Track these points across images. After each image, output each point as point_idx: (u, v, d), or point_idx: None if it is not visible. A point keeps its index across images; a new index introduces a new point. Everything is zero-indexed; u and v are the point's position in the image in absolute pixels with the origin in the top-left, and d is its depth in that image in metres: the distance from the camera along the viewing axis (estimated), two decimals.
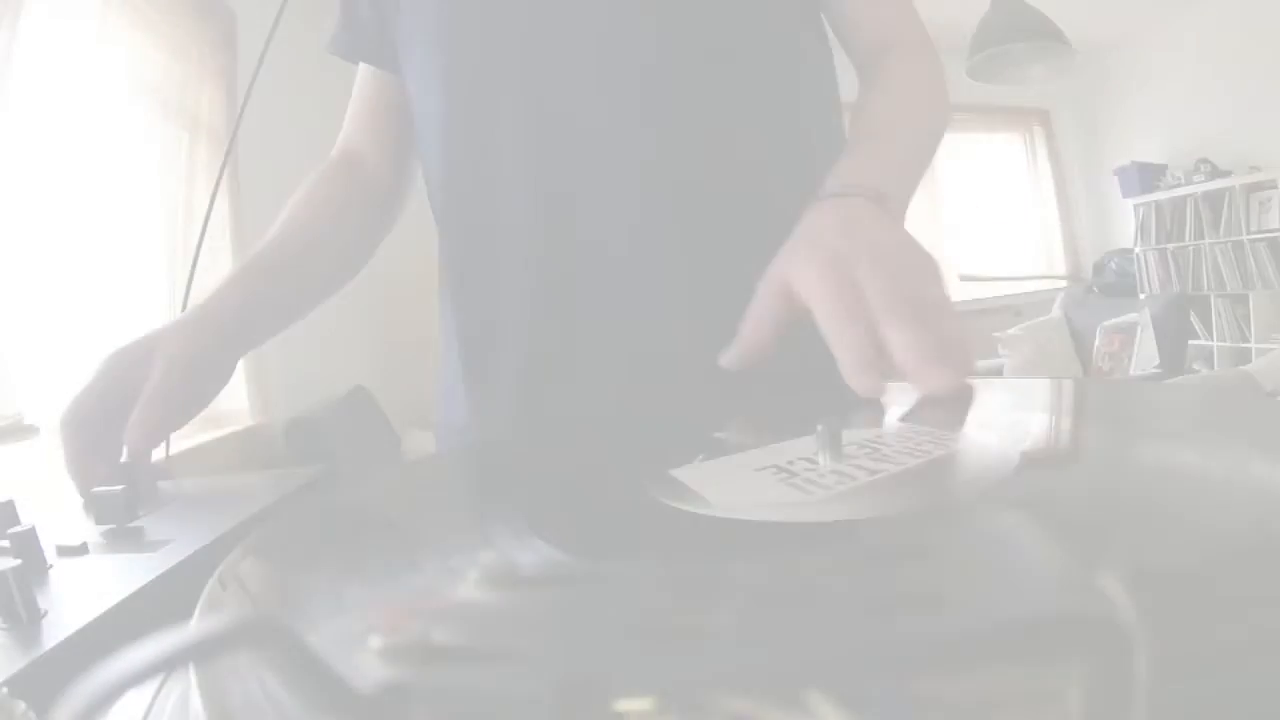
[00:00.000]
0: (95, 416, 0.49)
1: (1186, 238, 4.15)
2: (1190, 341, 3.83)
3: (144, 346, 0.51)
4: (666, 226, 0.57)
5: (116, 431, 0.49)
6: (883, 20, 0.63)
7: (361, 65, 0.70)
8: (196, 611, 0.21)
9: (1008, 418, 0.33)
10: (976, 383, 0.37)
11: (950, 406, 0.34)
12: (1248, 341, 3.91)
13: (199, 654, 0.10)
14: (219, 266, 2.08)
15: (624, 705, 0.09)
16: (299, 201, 0.66)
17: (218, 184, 1.34)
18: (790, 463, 0.29)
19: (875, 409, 0.36)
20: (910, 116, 0.58)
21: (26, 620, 0.25)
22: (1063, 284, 4.86)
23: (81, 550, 0.33)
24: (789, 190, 0.58)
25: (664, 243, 0.57)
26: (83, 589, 0.29)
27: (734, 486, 0.28)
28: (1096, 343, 3.68)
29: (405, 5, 0.62)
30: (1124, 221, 4.60)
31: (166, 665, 0.09)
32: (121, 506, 0.38)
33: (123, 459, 0.48)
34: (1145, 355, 3.40)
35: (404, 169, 0.71)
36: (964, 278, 4.73)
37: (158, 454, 0.51)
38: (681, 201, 0.57)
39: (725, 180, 0.58)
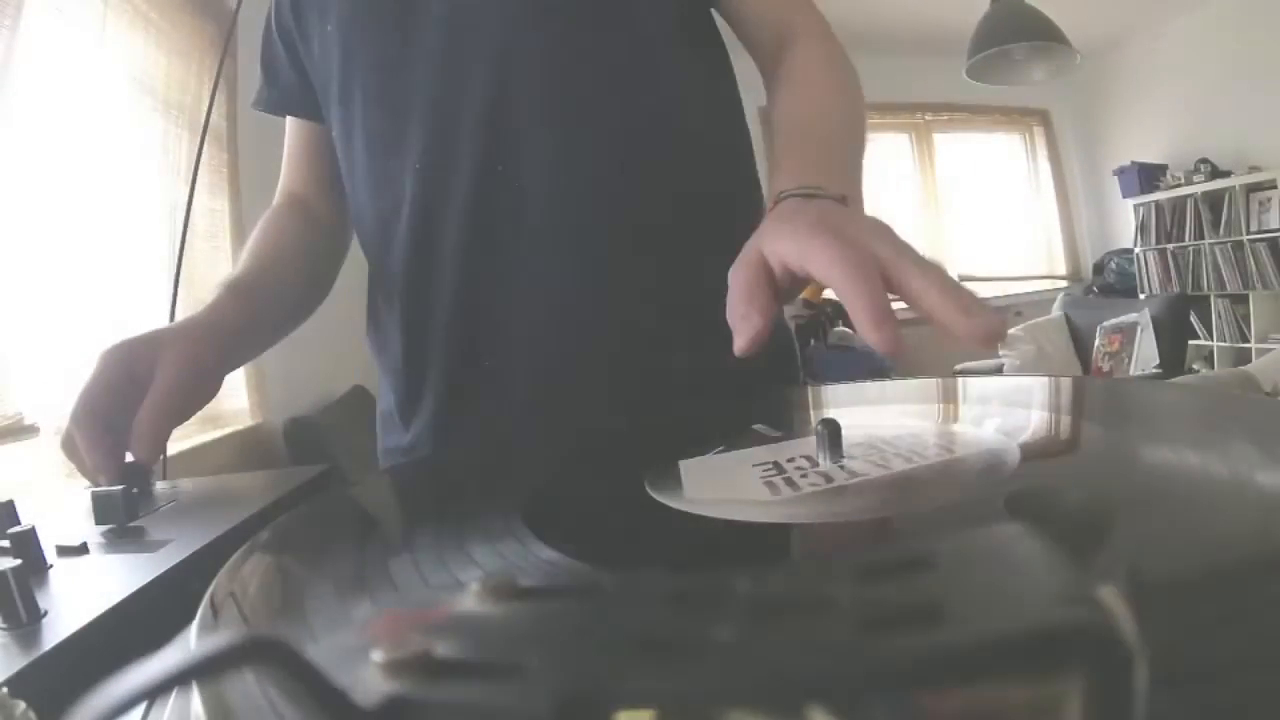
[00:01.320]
0: (107, 409, 0.49)
1: (1186, 238, 4.15)
2: (1190, 341, 3.83)
3: (148, 346, 0.52)
4: (574, 238, 0.59)
5: (126, 424, 0.49)
6: (779, 13, 0.64)
7: (289, 118, 0.73)
8: (194, 623, 0.21)
9: (1014, 420, 0.33)
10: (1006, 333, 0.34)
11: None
12: (1248, 341, 3.90)
13: (202, 674, 0.10)
14: (219, 266, 2.08)
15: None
16: (260, 239, 0.69)
17: (194, 178, 1.35)
18: (790, 460, 0.29)
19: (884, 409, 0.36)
20: (837, 113, 0.58)
21: (26, 620, 0.25)
22: (1063, 284, 4.86)
23: (81, 550, 0.33)
24: (704, 197, 0.61)
25: (571, 253, 0.59)
26: (83, 589, 0.29)
27: (719, 481, 0.28)
28: (1096, 343, 3.68)
29: (318, 60, 0.65)
30: (1124, 221, 4.59)
31: (169, 686, 0.09)
32: (121, 506, 0.38)
33: (131, 463, 0.48)
34: (1145, 355, 3.40)
35: (344, 205, 0.73)
36: (964, 278, 4.72)
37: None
38: (591, 213, 0.58)
39: (644, 194, 0.60)
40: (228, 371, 0.58)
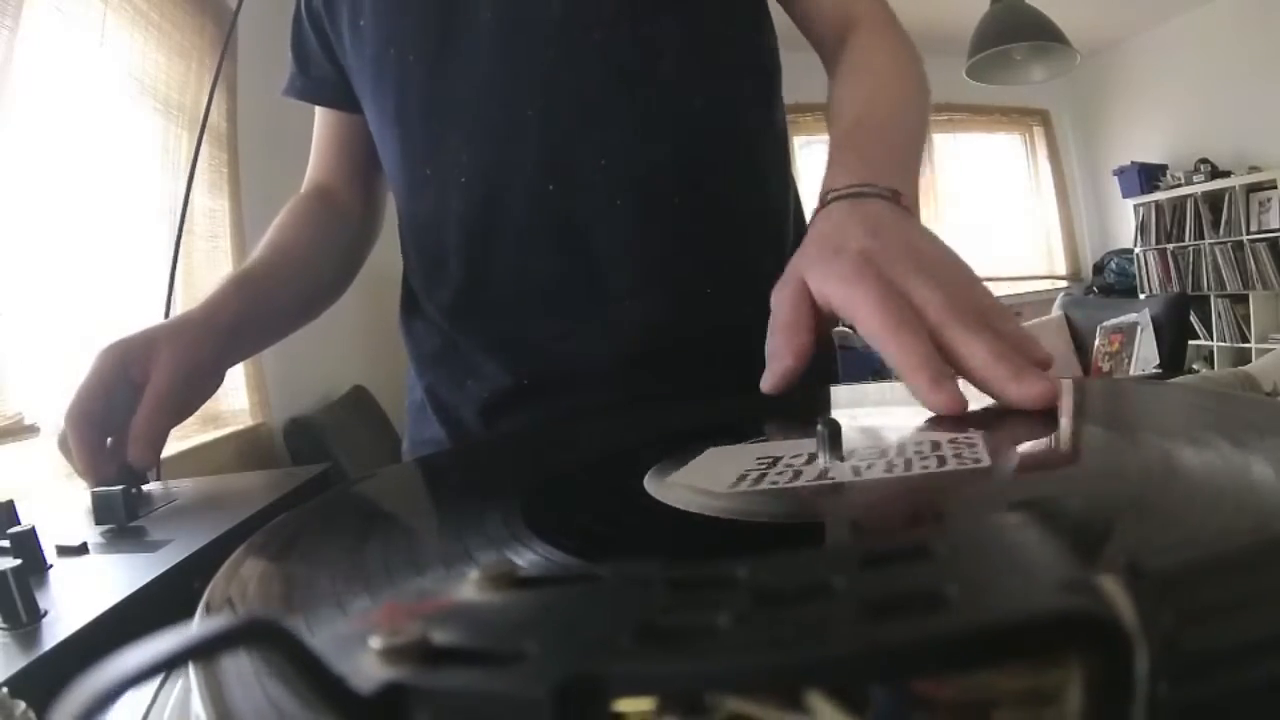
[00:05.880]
0: (101, 410, 0.48)
1: (1186, 238, 4.15)
2: (1190, 341, 3.83)
3: (144, 343, 0.51)
4: (623, 235, 0.57)
5: (120, 425, 0.49)
6: (840, 4, 0.62)
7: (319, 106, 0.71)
8: (195, 619, 0.21)
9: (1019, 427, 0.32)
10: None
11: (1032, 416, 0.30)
12: (1248, 341, 3.91)
13: (200, 654, 0.10)
14: (219, 265, 2.08)
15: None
16: (280, 228, 0.67)
17: (191, 175, 1.35)
18: (796, 456, 0.29)
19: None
20: (897, 101, 0.55)
21: (26, 620, 0.25)
22: (1063, 284, 4.86)
23: (81, 550, 0.33)
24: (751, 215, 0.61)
25: (623, 267, 0.58)
26: (83, 589, 0.29)
27: (709, 469, 0.28)
28: (1096, 343, 3.68)
29: (350, 53, 0.63)
30: (1124, 221, 4.60)
31: (167, 666, 0.09)
32: (121, 506, 0.38)
33: (128, 464, 0.48)
34: (1145, 355, 3.40)
35: (372, 198, 0.73)
36: None
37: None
38: (644, 233, 0.57)
39: (699, 214, 0.58)
40: (227, 367, 0.57)
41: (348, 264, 0.73)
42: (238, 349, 0.59)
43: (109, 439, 0.49)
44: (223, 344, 0.55)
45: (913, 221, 0.42)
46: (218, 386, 0.57)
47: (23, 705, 0.19)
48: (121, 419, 0.49)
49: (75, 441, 0.47)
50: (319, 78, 0.69)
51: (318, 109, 0.72)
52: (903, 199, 0.42)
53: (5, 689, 0.20)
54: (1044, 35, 2.66)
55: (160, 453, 0.50)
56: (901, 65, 0.58)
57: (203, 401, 0.55)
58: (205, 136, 2.07)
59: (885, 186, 0.42)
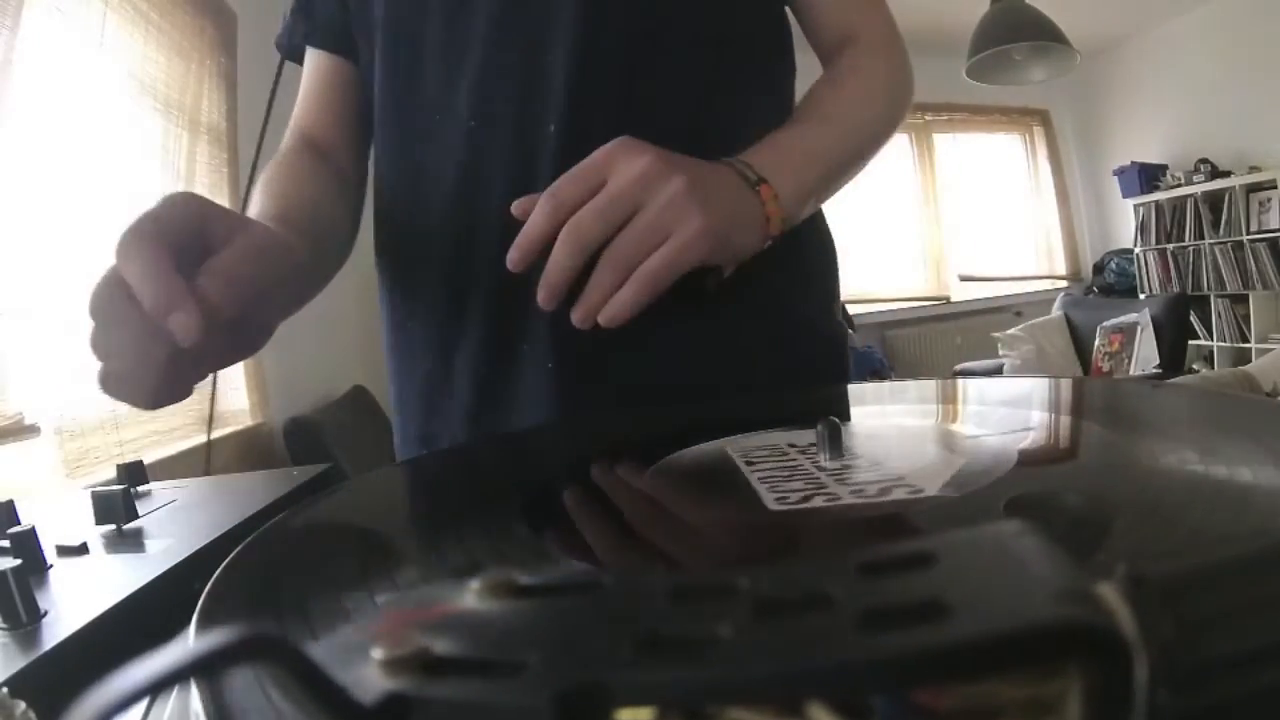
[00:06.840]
0: (164, 230, 0.38)
1: (1186, 238, 4.15)
2: (1190, 341, 3.83)
3: (228, 212, 0.43)
4: None
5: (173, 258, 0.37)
6: (847, 12, 0.62)
7: (312, 52, 0.67)
8: (193, 623, 0.21)
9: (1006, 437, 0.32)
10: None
11: None
12: (1248, 341, 3.91)
13: (201, 671, 0.10)
14: None
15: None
16: (280, 180, 0.61)
17: (247, 190, 1.35)
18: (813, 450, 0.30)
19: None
20: (847, 113, 0.57)
21: (26, 620, 0.25)
22: (1063, 284, 4.86)
23: (81, 550, 0.33)
24: None
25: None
26: (83, 589, 0.29)
27: (746, 450, 0.30)
28: (1096, 343, 3.68)
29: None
30: (1124, 221, 4.60)
31: (167, 684, 0.09)
32: (121, 506, 0.38)
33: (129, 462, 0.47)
34: (1145, 355, 3.40)
35: (361, 153, 0.68)
36: (964, 278, 4.73)
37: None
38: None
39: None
40: (274, 320, 0.46)
41: (349, 229, 0.66)
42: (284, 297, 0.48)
43: (164, 264, 0.37)
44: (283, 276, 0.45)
45: (733, 186, 0.49)
46: (266, 339, 0.46)
47: (23, 705, 0.19)
48: (181, 259, 0.37)
49: (139, 251, 0.37)
50: (325, 22, 0.65)
51: (309, 54, 0.67)
52: (762, 184, 0.50)
53: (5, 689, 0.20)
54: (1044, 35, 2.67)
55: (236, 306, 0.38)
56: (874, 95, 0.60)
57: (264, 335, 0.45)
58: (205, 136, 2.08)
59: (750, 168, 0.50)
